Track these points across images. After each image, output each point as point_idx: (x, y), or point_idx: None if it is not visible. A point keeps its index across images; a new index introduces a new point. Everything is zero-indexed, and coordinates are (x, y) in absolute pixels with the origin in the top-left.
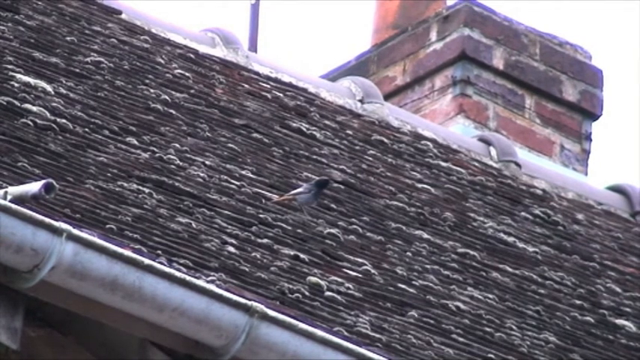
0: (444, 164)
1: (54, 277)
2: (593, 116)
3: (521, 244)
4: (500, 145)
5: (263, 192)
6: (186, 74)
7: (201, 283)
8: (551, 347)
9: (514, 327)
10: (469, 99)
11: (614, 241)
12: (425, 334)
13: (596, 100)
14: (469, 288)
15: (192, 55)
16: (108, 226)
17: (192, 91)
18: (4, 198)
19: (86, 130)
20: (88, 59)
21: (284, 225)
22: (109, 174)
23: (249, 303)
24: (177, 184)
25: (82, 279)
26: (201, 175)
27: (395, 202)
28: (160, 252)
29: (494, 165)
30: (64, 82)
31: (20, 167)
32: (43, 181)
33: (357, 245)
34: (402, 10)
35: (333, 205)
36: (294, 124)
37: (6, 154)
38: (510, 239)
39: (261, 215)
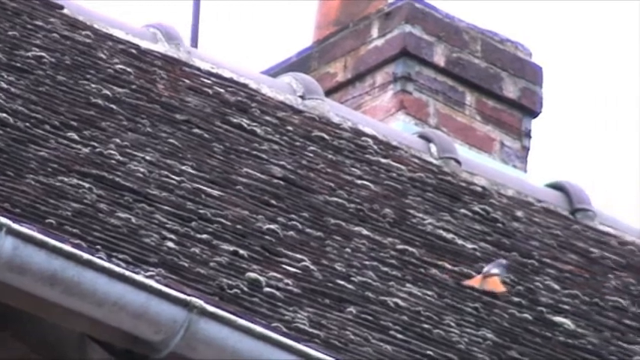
0: (383, 161)
1: None
2: (533, 113)
3: (460, 241)
4: (440, 141)
5: (203, 187)
6: (128, 69)
7: (140, 278)
8: (489, 344)
9: (452, 324)
10: (410, 96)
11: (554, 239)
12: (363, 331)
13: (536, 98)
14: (408, 284)
15: (134, 51)
16: (47, 220)
17: (133, 86)
18: None
19: (27, 124)
20: (30, 54)
21: (223, 220)
22: (49, 169)
23: (188, 298)
24: (117, 179)
25: (21, 273)
26: (142, 170)
27: (334, 199)
28: (99, 247)
29: (434, 162)
30: (5, 76)
31: None
32: None
33: (296, 241)
34: (343, 7)
35: (272, 201)
36: (235, 120)
37: None
38: (449, 236)
39: (200, 211)
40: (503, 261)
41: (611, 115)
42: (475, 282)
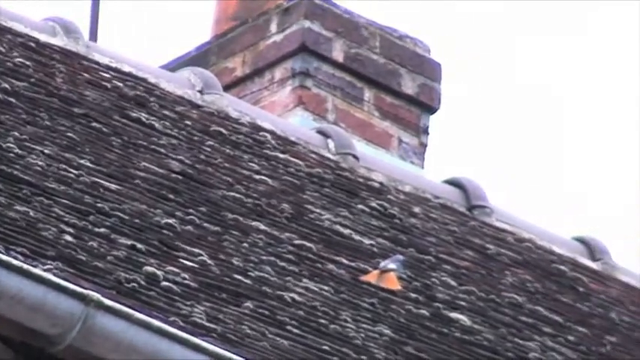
0: (281, 156)
1: None
2: (432, 109)
3: (357, 237)
4: (338, 137)
5: (101, 181)
6: (27, 63)
7: (37, 271)
8: (386, 340)
9: (349, 319)
10: (308, 91)
11: (450, 235)
12: (260, 325)
13: (435, 94)
14: (304, 280)
15: (32, 44)
16: None
17: (32, 79)
18: None
19: None
20: None
21: (121, 214)
22: None
23: (86, 292)
24: (15, 172)
25: None
26: (40, 163)
27: (232, 193)
28: None
29: (332, 157)
30: None
31: None
32: None
33: (193, 236)
34: (242, 2)
35: (170, 196)
36: (134, 114)
37: None
38: (347, 231)
39: (98, 204)
40: (400, 257)
41: (509, 113)
42: (372, 277)
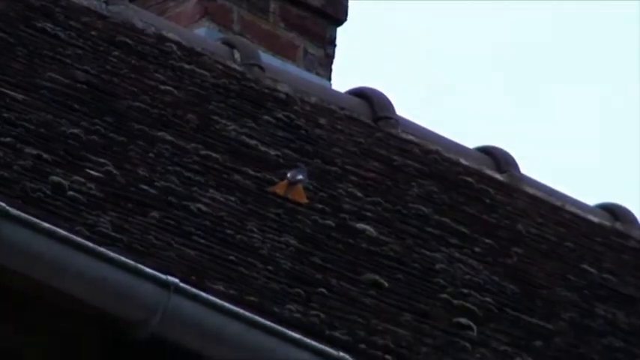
0: (187, 67)
1: None
2: (338, 21)
3: (263, 148)
4: (243, 48)
5: (7, 91)
6: None
7: None
8: (292, 250)
9: (255, 229)
10: (214, 2)
11: (356, 146)
12: (166, 235)
13: (341, 6)
14: (211, 190)
15: None
16: None
17: None
18: None
19: None
20: None
21: (27, 124)
22: None
23: None
24: None
25: None
26: None
27: (138, 104)
28: None
29: (238, 68)
30: None
31: None
32: None
33: (99, 146)
34: None
35: (76, 106)
36: (39, 24)
37: None
38: (253, 142)
39: (4, 115)
40: (304, 167)
41: (415, 24)
42: (279, 189)
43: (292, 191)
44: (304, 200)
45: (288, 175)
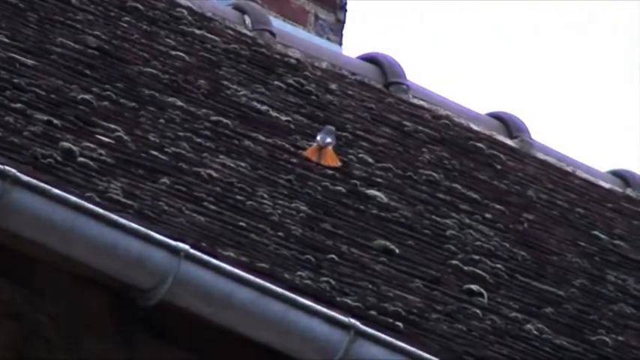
0: (198, 32)
1: None
2: None
3: (274, 113)
4: (254, 13)
5: (17, 57)
6: None
7: None
8: (303, 216)
9: (266, 195)
10: None
11: (367, 112)
12: (177, 201)
13: None
14: (221, 156)
15: None
16: None
17: None
18: None
19: None
20: None
21: (38, 90)
22: None
23: (1, 167)
24: None
25: None
26: None
27: (149, 69)
28: None
29: (249, 33)
30: None
31: None
32: None
33: (110, 111)
34: None
35: (87, 71)
36: None
37: None
38: (263, 108)
39: (15, 80)
40: (332, 127)
41: None
42: (311, 154)
43: (324, 156)
44: (337, 164)
45: (318, 137)
